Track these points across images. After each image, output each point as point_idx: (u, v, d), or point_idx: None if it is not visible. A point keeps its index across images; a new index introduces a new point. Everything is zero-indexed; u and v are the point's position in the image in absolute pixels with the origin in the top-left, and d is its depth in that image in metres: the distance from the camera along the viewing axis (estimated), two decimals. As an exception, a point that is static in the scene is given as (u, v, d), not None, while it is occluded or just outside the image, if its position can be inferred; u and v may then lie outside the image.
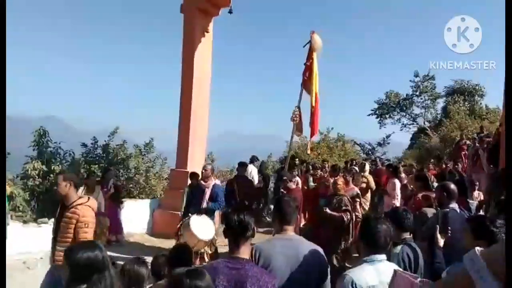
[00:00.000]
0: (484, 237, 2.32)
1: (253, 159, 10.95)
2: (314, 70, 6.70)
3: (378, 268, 2.29)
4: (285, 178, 6.86)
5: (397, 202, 7.74)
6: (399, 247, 2.92)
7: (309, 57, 6.75)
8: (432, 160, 11.58)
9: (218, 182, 7.02)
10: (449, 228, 3.72)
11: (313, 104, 6.72)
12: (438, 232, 3.49)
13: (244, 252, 2.24)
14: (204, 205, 6.40)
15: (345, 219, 5.74)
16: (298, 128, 7.09)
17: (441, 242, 3.43)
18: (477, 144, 10.12)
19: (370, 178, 8.60)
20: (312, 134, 7.08)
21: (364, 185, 8.37)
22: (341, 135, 22.39)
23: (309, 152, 8.61)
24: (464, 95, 25.07)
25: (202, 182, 6.68)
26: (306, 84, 6.84)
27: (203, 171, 6.70)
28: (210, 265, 2.27)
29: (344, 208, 5.82)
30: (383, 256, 2.35)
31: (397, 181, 7.94)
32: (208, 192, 6.49)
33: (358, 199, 7.32)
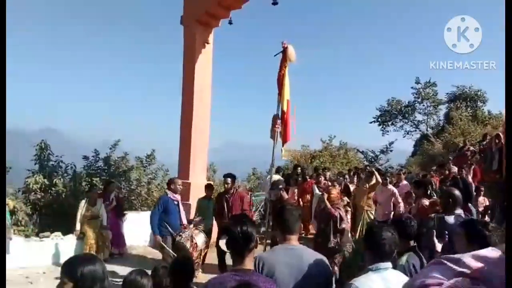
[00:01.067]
0: (477, 241, 2.29)
1: (278, 170, 11.07)
2: (286, 79, 6.88)
3: (384, 276, 2.25)
4: (280, 187, 6.76)
5: (401, 208, 7.78)
6: (404, 258, 2.88)
7: (282, 66, 6.91)
8: (433, 168, 11.56)
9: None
10: (446, 232, 3.68)
11: (284, 110, 6.87)
12: (435, 237, 3.45)
13: (249, 263, 2.22)
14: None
15: (336, 215, 5.83)
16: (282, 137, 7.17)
17: (438, 247, 3.39)
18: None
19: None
20: (284, 141, 7.13)
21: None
22: (343, 143, 22.36)
23: (283, 158, 8.24)
24: (466, 101, 25.07)
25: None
26: (280, 92, 7.04)
27: (226, 184, 6.76)
28: (217, 279, 2.23)
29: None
30: (388, 264, 2.31)
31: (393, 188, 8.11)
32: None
33: (348, 207, 7.68)
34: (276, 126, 6.88)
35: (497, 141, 9.76)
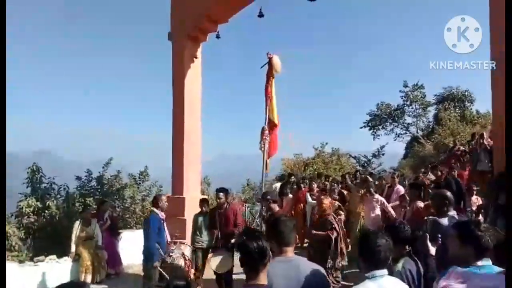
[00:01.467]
0: (470, 241, 2.32)
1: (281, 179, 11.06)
2: (273, 91, 6.93)
3: (380, 284, 2.25)
4: (268, 197, 6.54)
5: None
6: (400, 264, 2.88)
7: (268, 78, 6.93)
8: (422, 170, 11.65)
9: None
10: (439, 236, 3.71)
11: (276, 122, 6.93)
12: (428, 240, 3.48)
13: (263, 278, 2.21)
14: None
15: (332, 237, 5.82)
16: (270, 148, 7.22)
17: (432, 250, 3.41)
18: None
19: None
20: (270, 155, 7.12)
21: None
22: (335, 149, 22.47)
23: (266, 171, 7.87)
24: (454, 101, 25.39)
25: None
26: (267, 104, 7.07)
27: (218, 199, 6.59)
28: None
29: (330, 227, 5.90)
30: (384, 271, 2.32)
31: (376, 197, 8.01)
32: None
33: (341, 211, 7.63)
34: (264, 137, 6.93)
35: (481, 141, 9.93)
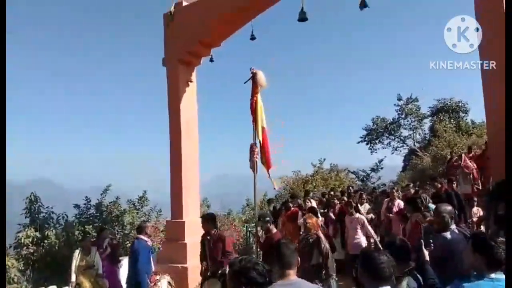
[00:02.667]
0: (483, 252, 2.34)
1: (270, 202, 10.81)
2: (259, 106, 6.68)
3: None
4: (267, 219, 6.17)
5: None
6: (404, 283, 2.86)
7: (253, 93, 6.71)
8: (410, 184, 11.57)
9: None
10: (431, 241, 3.73)
11: (260, 140, 6.60)
12: (423, 246, 3.49)
13: None
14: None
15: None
16: (263, 164, 6.78)
17: (427, 256, 3.42)
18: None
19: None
20: (268, 168, 6.76)
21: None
22: (334, 165, 22.50)
23: (275, 188, 7.81)
24: (448, 113, 25.59)
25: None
26: (254, 120, 6.75)
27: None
28: None
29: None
30: None
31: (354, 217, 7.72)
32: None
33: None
34: (255, 156, 6.65)
35: (459, 162, 10.01)
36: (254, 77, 6.68)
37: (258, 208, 7.28)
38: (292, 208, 9.31)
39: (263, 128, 6.68)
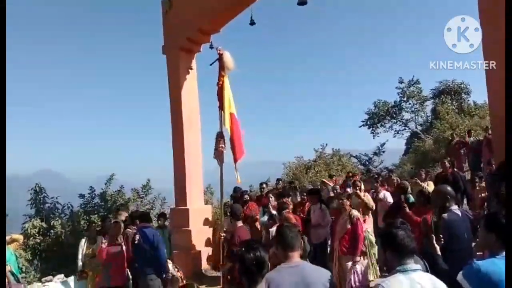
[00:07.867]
0: (494, 229, 2.36)
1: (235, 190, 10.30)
2: (227, 90, 6.02)
3: (412, 277, 2.19)
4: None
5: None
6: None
7: (220, 76, 6.06)
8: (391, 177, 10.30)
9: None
10: (441, 236, 3.74)
11: (228, 127, 5.96)
12: (434, 241, 3.49)
13: None
14: None
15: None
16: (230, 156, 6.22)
17: (438, 250, 3.42)
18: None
19: (368, 198, 7.29)
20: (235, 160, 6.09)
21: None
22: (336, 150, 22.49)
23: (238, 181, 6.98)
24: (450, 94, 25.39)
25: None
26: (221, 107, 6.10)
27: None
28: None
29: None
30: (417, 266, 2.26)
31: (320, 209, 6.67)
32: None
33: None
34: (220, 146, 6.07)
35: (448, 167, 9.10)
36: (220, 58, 6.07)
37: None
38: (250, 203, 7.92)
39: (231, 114, 6.04)
